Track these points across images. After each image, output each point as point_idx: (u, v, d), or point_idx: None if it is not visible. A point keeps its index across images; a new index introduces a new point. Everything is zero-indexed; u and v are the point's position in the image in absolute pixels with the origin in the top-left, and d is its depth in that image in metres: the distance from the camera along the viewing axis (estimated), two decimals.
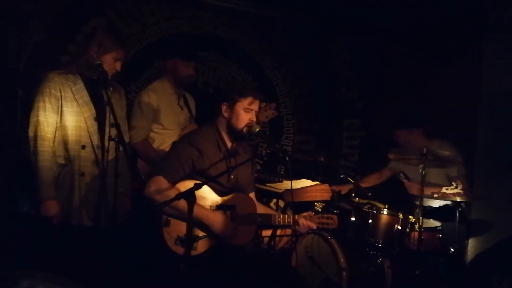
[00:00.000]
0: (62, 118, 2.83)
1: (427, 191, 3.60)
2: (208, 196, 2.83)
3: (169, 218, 2.72)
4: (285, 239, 3.77)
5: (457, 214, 3.57)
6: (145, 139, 3.55)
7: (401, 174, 4.21)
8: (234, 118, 2.91)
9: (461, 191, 3.52)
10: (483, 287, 3.67)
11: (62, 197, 2.81)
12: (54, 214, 2.76)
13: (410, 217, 3.50)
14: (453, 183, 3.59)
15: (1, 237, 2.95)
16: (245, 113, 2.89)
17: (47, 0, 3.90)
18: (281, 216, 3.04)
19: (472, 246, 4.16)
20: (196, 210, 2.44)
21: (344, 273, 3.22)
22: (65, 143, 2.84)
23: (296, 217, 3.01)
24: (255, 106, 2.93)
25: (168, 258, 2.69)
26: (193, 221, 2.46)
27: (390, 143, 4.31)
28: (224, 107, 2.92)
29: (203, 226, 2.74)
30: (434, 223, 3.70)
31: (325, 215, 3.09)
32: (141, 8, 4.34)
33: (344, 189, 4.08)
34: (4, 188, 3.21)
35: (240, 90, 2.95)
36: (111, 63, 2.90)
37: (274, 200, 4.06)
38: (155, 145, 3.58)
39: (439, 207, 3.98)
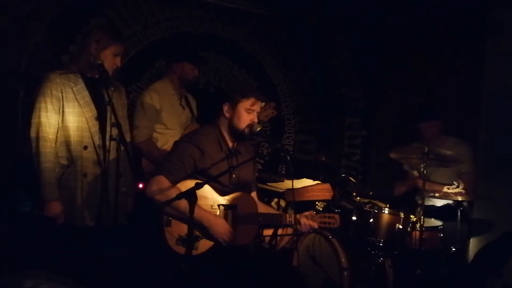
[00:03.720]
0: (64, 118, 2.83)
1: (438, 188, 3.63)
2: (209, 195, 2.83)
3: (170, 218, 2.72)
4: (286, 238, 3.75)
5: (459, 213, 3.57)
6: (149, 138, 3.57)
7: (415, 172, 4.18)
8: (235, 118, 2.91)
9: (462, 191, 3.52)
10: (484, 286, 3.67)
11: (65, 198, 2.81)
12: (57, 214, 2.76)
13: (411, 216, 3.49)
14: (454, 182, 3.60)
15: (3, 237, 2.95)
16: (247, 114, 2.90)
17: (47, 0, 3.90)
18: (283, 216, 3.04)
19: (473, 245, 4.16)
20: (196, 211, 2.44)
21: (345, 273, 3.21)
22: (67, 143, 2.84)
23: (298, 217, 3.01)
24: (257, 107, 2.93)
25: (170, 257, 2.69)
26: (193, 222, 2.46)
27: (392, 142, 4.31)
28: (226, 107, 2.93)
29: (202, 228, 2.74)
30: (435, 222, 3.70)
31: (327, 214, 3.09)
32: (141, 8, 4.33)
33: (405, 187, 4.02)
34: (5, 188, 3.21)
35: (242, 91, 2.95)
36: (111, 58, 2.90)
37: (275, 200, 4.05)
38: (158, 145, 3.60)
39: (442, 206, 3.98)
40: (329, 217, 3.08)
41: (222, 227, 2.78)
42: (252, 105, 2.90)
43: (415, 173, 4.20)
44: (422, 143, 4.00)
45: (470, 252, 4.14)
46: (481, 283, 3.60)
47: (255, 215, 2.96)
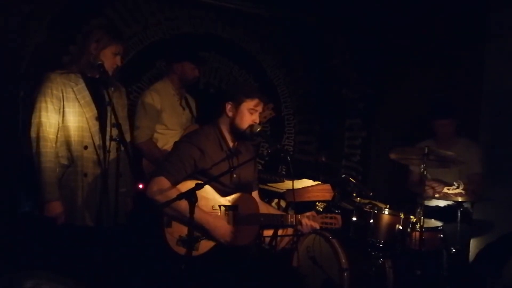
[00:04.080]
0: (64, 118, 2.82)
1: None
2: (210, 196, 2.83)
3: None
4: (286, 239, 3.76)
5: (459, 214, 3.57)
6: (150, 139, 3.58)
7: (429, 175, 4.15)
8: (238, 118, 2.91)
9: (462, 191, 3.52)
10: (484, 287, 3.67)
11: (65, 198, 2.80)
12: (58, 214, 2.76)
13: (412, 217, 3.49)
14: (454, 183, 3.60)
15: (4, 237, 2.95)
16: (249, 114, 2.90)
17: (47, 1, 3.90)
18: (284, 216, 3.04)
19: (474, 246, 4.16)
20: (197, 213, 2.44)
21: (345, 274, 3.22)
22: (67, 143, 2.83)
23: (299, 217, 3.01)
24: (260, 108, 2.95)
25: (170, 258, 2.69)
26: (194, 224, 2.46)
27: (392, 142, 4.29)
28: (229, 106, 2.93)
29: (203, 230, 2.74)
30: (435, 223, 3.69)
31: (329, 214, 3.08)
32: (141, 8, 4.33)
33: None
34: (6, 188, 3.21)
35: (247, 91, 2.96)
36: (111, 58, 2.90)
37: (276, 200, 4.05)
38: (158, 145, 3.61)
39: (443, 207, 3.97)
40: (331, 218, 3.06)
41: (222, 229, 2.77)
42: (256, 106, 2.92)
43: (429, 175, 4.14)
44: (435, 141, 4.01)
45: (470, 253, 4.13)
46: (481, 283, 3.60)
47: (256, 215, 2.95)
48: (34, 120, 2.77)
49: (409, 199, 4.03)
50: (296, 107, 5.19)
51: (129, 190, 3.06)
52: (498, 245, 3.86)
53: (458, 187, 3.59)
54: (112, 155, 2.78)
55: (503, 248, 3.78)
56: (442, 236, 3.57)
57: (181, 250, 2.67)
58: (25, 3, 3.76)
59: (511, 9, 4.19)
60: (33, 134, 2.76)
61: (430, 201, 3.98)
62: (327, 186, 3.79)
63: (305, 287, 3.42)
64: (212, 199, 2.83)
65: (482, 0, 4.45)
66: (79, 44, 3.42)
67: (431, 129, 4.12)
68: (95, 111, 2.88)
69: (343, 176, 4.22)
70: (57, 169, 2.81)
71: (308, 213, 3.04)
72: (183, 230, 2.64)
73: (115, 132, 2.68)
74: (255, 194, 3.16)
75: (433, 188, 3.82)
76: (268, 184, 3.90)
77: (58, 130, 2.82)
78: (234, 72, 4.82)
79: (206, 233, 2.74)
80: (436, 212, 3.87)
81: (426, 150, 3.44)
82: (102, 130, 2.88)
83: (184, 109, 3.80)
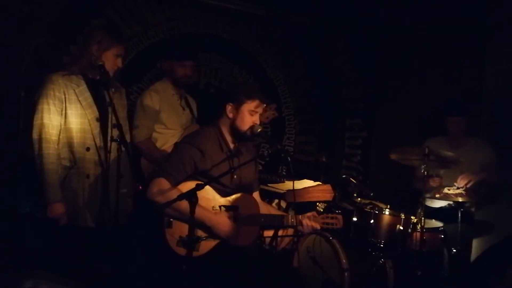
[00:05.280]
0: (66, 120, 2.82)
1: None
2: (211, 197, 2.83)
3: (171, 219, 2.72)
4: (286, 239, 3.76)
5: (459, 215, 3.56)
6: (148, 138, 3.58)
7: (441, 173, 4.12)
8: (238, 119, 2.90)
9: (463, 192, 3.52)
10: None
11: (67, 199, 2.80)
12: (60, 216, 2.76)
13: (412, 217, 3.49)
14: (455, 183, 3.59)
15: (4, 237, 2.95)
16: (250, 116, 2.90)
17: (47, 1, 3.89)
18: (285, 217, 3.03)
19: (476, 247, 4.14)
20: (198, 211, 2.44)
21: (346, 274, 3.22)
22: (70, 145, 2.83)
23: (300, 217, 3.00)
24: (260, 109, 2.94)
25: (171, 259, 2.69)
26: (195, 223, 2.46)
27: (392, 142, 4.28)
28: (229, 107, 2.92)
29: (205, 227, 2.74)
30: (436, 223, 3.69)
31: (330, 215, 3.05)
32: (141, 8, 4.33)
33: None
34: (6, 189, 3.21)
35: (248, 92, 2.94)
36: (112, 59, 2.90)
37: (276, 201, 4.05)
38: (157, 145, 3.61)
39: (444, 207, 3.96)
40: (332, 218, 3.04)
41: (224, 225, 2.78)
42: (256, 107, 2.91)
43: (441, 173, 4.12)
44: (446, 138, 4.01)
45: (472, 254, 4.12)
46: (482, 284, 3.60)
47: (257, 216, 2.95)
48: (36, 122, 2.76)
49: (410, 199, 4.03)
50: (296, 107, 5.19)
51: (130, 190, 3.05)
52: (502, 246, 3.85)
53: (458, 187, 3.59)
54: (113, 155, 2.78)
55: (507, 249, 3.78)
56: (442, 236, 3.57)
57: (182, 251, 2.67)
58: (25, 3, 3.76)
59: (511, 9, 4.19)
60: (35, 136, 2.75)
61: (432, 202, 3.98)
62: (328, 187, 3.79)
63: (306, 287, 3.42)
64: (213, 200, 2.83)
65: (482, 0, 4.45)
66: (80, 44, 3.41)
67: (444, 126, 4.09)
68: (97, 112, 2.88)
69: (344, 176, 4.23)
70: (60, 170, 2.80)
71: (309, 214, 3.02)
72: (184, 230, 2.64)
73: (115, 132, 2.68)
74: (256, 194, 3.15)
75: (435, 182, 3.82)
76: (269, 184, 3.90)
77: (60, 132, 2.81)
78: (234, 73, 4.82)
79: (208, 230, 2.75)
80: (437, 213, 3.87)
81: (426, 150, 3.44)
82: (104, 131, 2.88)
83: (184, 109, 3.79)
